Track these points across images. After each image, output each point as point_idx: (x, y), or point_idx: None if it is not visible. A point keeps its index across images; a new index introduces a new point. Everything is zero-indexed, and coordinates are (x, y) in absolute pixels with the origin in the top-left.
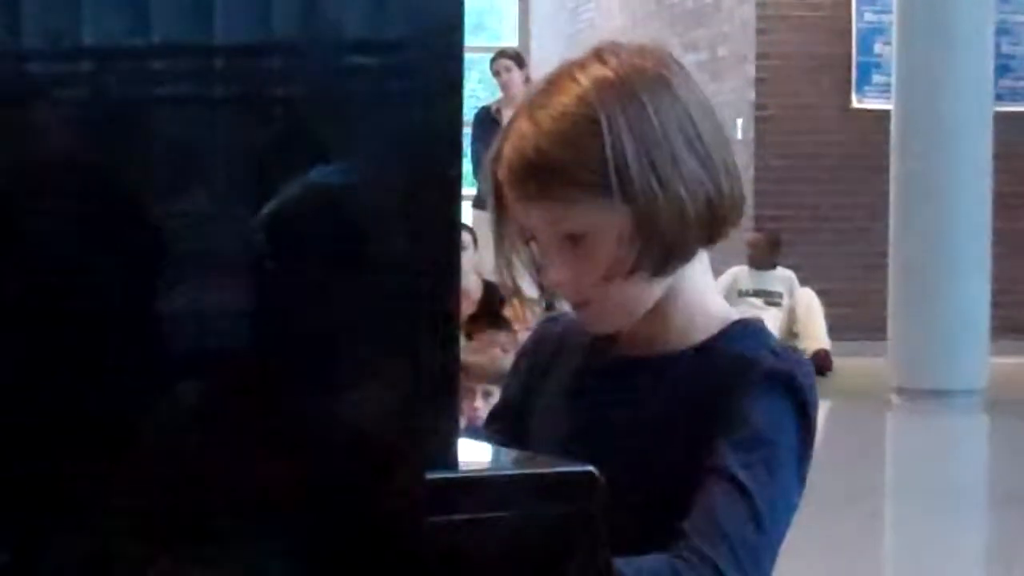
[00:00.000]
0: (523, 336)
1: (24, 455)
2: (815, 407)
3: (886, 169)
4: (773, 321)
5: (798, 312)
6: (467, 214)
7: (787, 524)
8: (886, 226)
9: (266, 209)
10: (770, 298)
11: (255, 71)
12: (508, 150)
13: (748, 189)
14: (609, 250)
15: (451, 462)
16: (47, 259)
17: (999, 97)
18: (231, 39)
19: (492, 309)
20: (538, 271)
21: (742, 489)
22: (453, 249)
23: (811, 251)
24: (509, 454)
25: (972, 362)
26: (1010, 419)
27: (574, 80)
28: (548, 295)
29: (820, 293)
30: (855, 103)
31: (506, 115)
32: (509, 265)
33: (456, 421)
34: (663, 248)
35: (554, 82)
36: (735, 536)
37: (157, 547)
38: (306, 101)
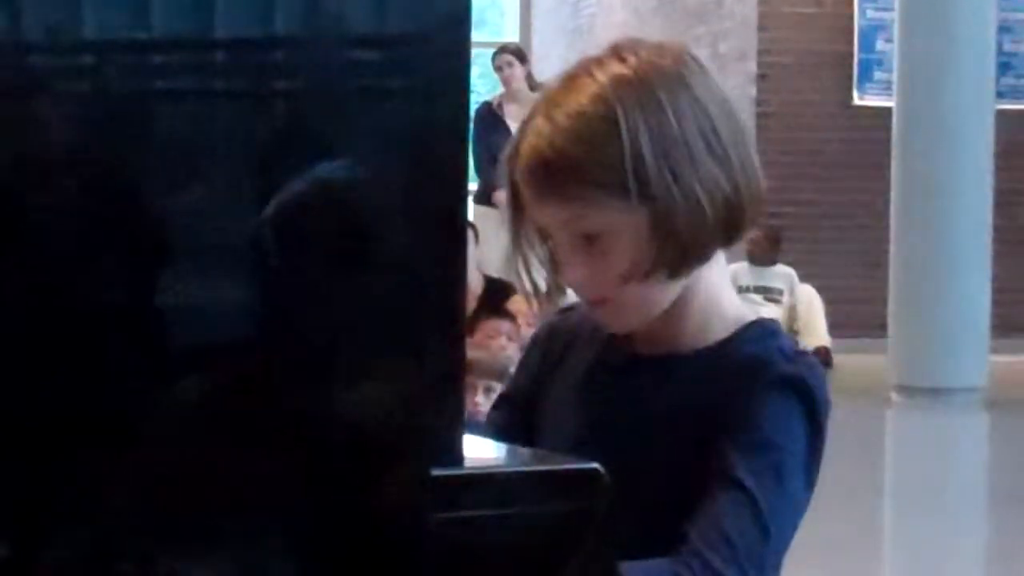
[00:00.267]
0: (527, 330)
1: (24, 452)
2: (826, 412)
3: (887, 166)
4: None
5: (799, 309)
6: (468, 209)
7: (793, 529)
8: (887, 223)
9: (272, 205)
10: (770, 295)
11: (260, 66)
12: (525, 148)
13: None
14: (626, 250)
15: (456, 459)
16: (49, 255)
17: (1000, 95)
18: (237, 33)
19: (493, 304)
20: (554, 269)
21: (748, 495)
22: (459, 245)
23: (811, 248)
24: (515, 451)
25: (972, 360)
26: (1010, 417)
27: (592, 77)
28: (560, 294)
29: (820, 290)
30: (856, 100)
31: (508, 110)
32: (526, 263)
33: (462, 418)
34: (680, 249)
35: (572, 79)
36: (740, 544)
37: (161, 544)
38: (312, 96)
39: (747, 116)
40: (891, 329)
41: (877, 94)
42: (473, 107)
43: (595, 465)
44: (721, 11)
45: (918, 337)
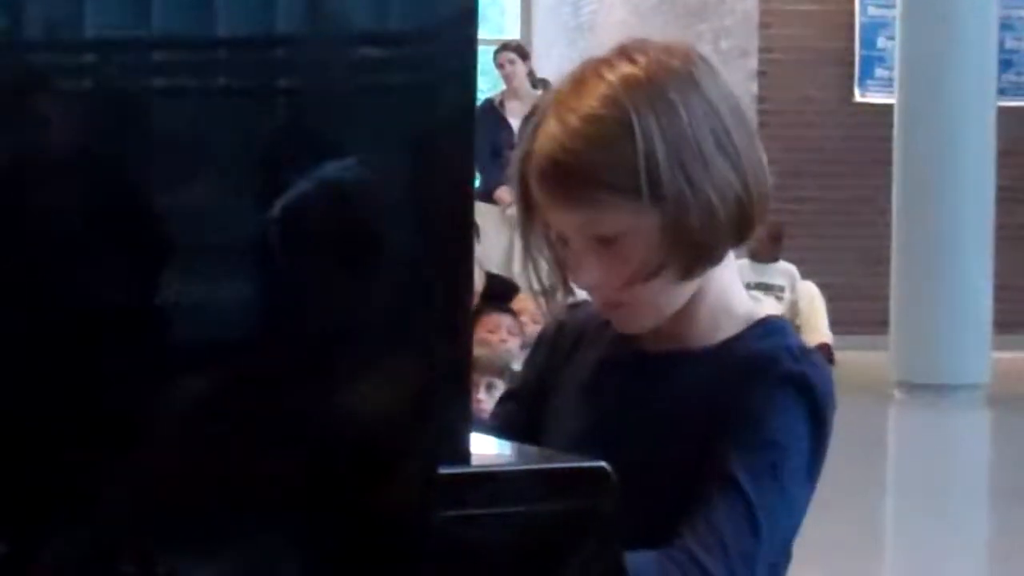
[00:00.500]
0: (534, 328)
1: (25, 451)
2: (831, 411)
3: (889, 163)
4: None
5: (800, 306)
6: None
7: (794, 528)
8: (888, 220)
9: (279, 204)
10: (772, 291)
11: (264, 64)
12: (538, 151)
13: None
14: (640, 252)
15: (463, 457)
16: (50, 253)
17: (1002, 92)
18: (241, 31)
19: (495, 301)
20: (563, 273)
21: (743, 494)
22: (465, 242)
23: (813, 245)
24: (521, 449)
25: (974, 357)
26: (1012, 414)
27: (602, 79)
28: (567, 295)
29: (822, 287)
30: (858, 97)
31: (509, 107)
32: (535, 264)
33: (468, 416)
34: (693, 250)
35: (581, 81)
36: (731, 543)
37: (164, 543)
38: (316, 94)
39: (749, 113)
40: (893, 326)
41: (878, 91)
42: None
43: (602, 463)
44: (722, 8)
45: (920, 334)
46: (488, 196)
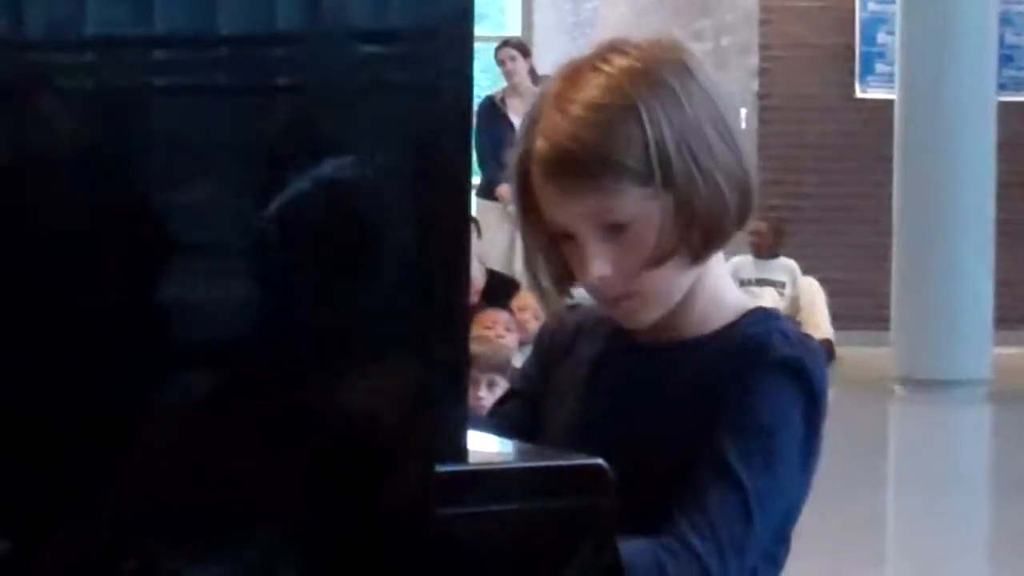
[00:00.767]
0: (536, 325)
1: (27, 450)
2: (824, 396)
3: (889, 159)
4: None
5: (801, 301)
6: (471, 204)
7: (786, 513)
8: (889, 216)
9: (277, 202)
10: (773, 287)
11: (263, 62)
12: (541, 145)
13: None
14: (651, 238)
15: (461, 455)
16: (52, 252)
17: (1002, 87)
18: (240, 30)
19: (495, 298)
20: (569, 271)
21: (735, 479)
22: (463, 240)
23: (814, 240)
24: (519, 447)
25: (975, 352)
26: (1013, 409)
27: (599, 71)
28: (568, 293)
29: (823, 282)
30: (858, 93)
31: (511, 104)
32: (535, 263)
33: (465, 414)
34: (703, 233)
35: (575, 75)
36: (722, 528)
37: (163, 540)
38: (315, 92)
39: (749, 110)
40: (894, 321)
41: (879, 87)
42: (475, 102)
43: (599, 461)
44: (723, 5)
45: (921, 329)
46: (489, 193)
